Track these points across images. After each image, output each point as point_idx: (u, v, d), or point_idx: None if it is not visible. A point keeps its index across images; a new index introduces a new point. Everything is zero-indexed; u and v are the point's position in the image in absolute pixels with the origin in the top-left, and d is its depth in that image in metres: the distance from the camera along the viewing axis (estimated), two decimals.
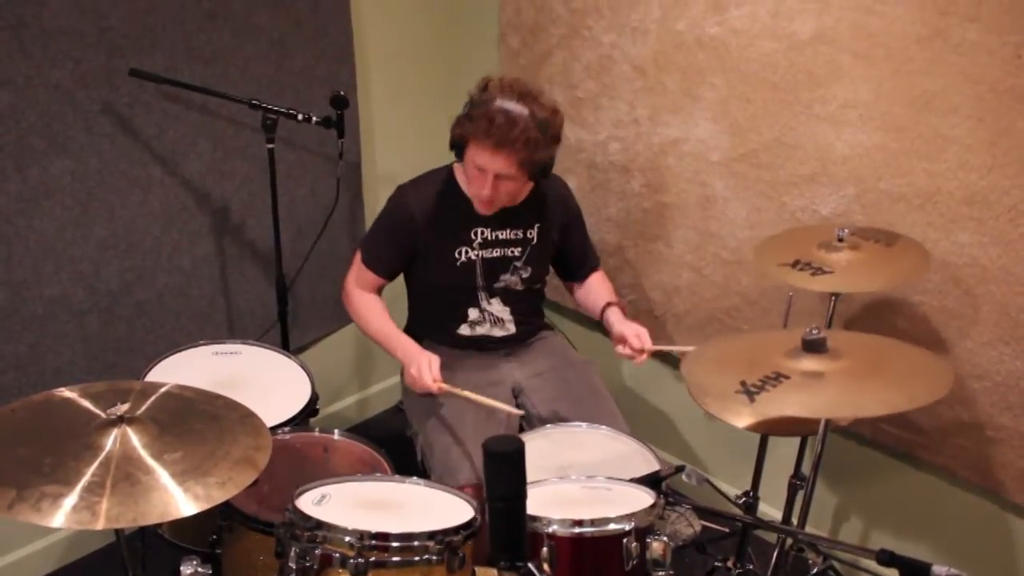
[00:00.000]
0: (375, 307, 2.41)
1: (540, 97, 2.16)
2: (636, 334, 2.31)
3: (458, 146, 2.23)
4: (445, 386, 2.18)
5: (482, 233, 2.36)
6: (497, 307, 2.44)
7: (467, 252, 2.36)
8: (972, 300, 2.18)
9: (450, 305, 2.42)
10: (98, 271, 2.44)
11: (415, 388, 2.23)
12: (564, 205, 2.49)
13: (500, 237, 2.38)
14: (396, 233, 2.36)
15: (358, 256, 2.43)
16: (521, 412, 2.28)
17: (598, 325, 3.06)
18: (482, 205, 2.28)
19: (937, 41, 2.06)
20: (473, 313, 2.43)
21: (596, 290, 2.57)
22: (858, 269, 2.05)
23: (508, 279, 2.42)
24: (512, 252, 2.41)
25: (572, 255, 2.56)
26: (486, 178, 2.18)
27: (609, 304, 2.46)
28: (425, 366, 2.19)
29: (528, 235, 2.41)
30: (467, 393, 2.17)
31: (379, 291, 2.45)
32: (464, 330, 2.43)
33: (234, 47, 2.54)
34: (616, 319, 2.41)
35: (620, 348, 2.34)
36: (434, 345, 2.46)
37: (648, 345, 2.30)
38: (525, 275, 2.43)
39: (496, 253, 2.39)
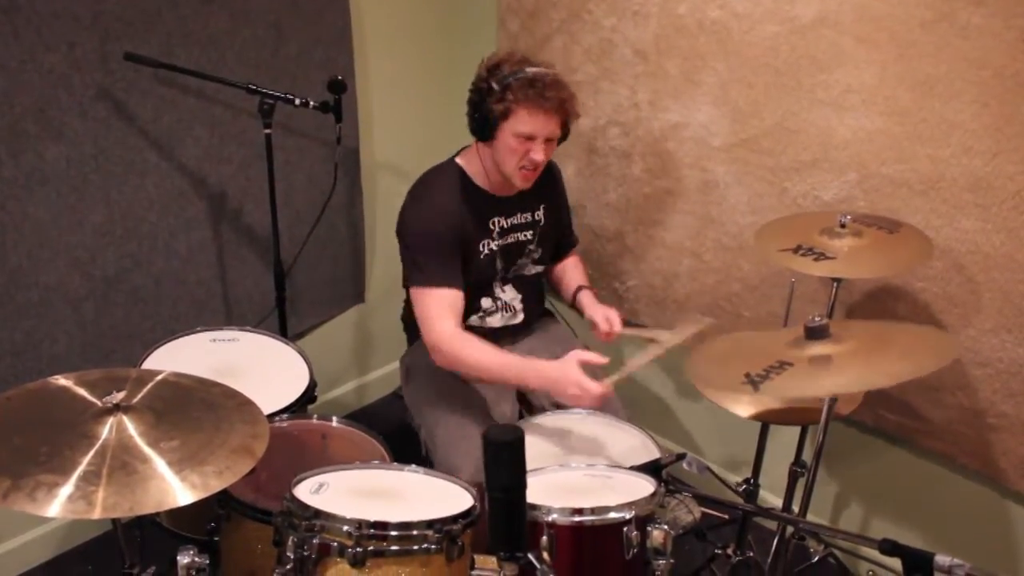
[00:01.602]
0: (479, 344, 2.17)
1: (545, 63, 2.23)
2: (606, 317, 2.35)
3: (490, 124, 2.17)
4: (613, 380, 2.04)
5: (499, 223, 2.35)
6: (510, 294, 2.44)
7: (489, 244, 2.34)
8: (975, 287, 2.16)
9: (467, 297, 2.34)
10: (94, 258, 2.42)
11: (584, 405, 2.09)
12: (559, 185, 2.54)
13: (514, 223, 2.38)
14: (444, 244, 2.23)
15: (424, 294, 2.20)
16: (712, 320, 2.28)
17: None
18: (526, 177, 2.24)
19: (942, 25, 2.04)
20: (486, 303, 2.41)
21: (570, 273, 2.60)
22: (860, 255, 2.03)
23: (522, 263, 2.43)
24: (525, 236, 2.41)
25: (559, 234, 2.58)
26: (536, 144, 2.17)
27: (581, 287, 2.51)
28: (576, 384, 2.01)
29: (536, 217, 2.42)
30: (640, 361, 2.09)
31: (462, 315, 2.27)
32: (474, 320, 2.41)
33: (230, 31, 2.51)
34: (588, 302, 2.45)
35: (593, 332, 2.39)
36: None
37: (617, 328, 2.34)
38: (537, 256, 2.45)
39: (512, 239, 2.38)
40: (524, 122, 2.14)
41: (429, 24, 3.08)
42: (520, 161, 2.20)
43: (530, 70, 2.13)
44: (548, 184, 2.44)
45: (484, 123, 2.18)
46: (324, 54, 2.75)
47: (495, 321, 2.43)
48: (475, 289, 2.37)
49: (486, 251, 2.34)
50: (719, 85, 2.48)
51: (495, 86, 2.13)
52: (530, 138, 2.16)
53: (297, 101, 2.41)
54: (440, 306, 2.19)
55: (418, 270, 2.23)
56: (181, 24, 2.40)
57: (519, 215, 2.38)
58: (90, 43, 2.25)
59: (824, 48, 2.24)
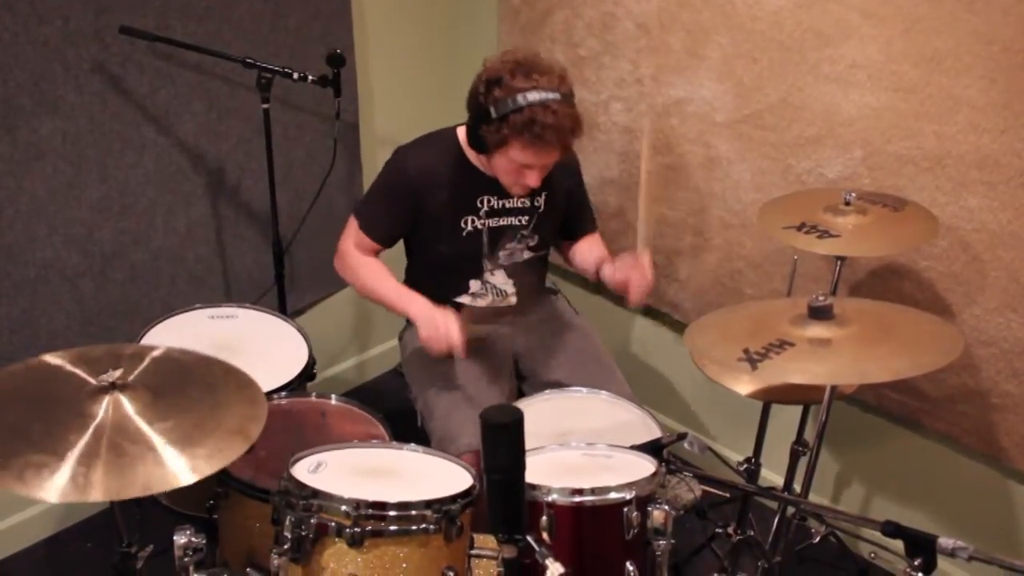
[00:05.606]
0: (375, 266, 2.30)
1: (549, 67, 2.06)
2: (628, 280, 2.19)
3: (487, 145, 2.10)
4: (465, 336, 2.10)
5: (488, 202, 2.27)
6: (500, 279, 2.36)
7: (473, 221, 2.27)
8: (980, 266, 2.14)
9: (453, 275, 2.34)
10: (91, 234, 2.40)
11: (432, 349, 2.12)
12: (571, 171, 2.39)
13: (507, 206, 2.29)
14: (394, 198, 2.27)
15: (353, 221, 2.30)
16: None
17: (599, 288, 3.04)
18: (523, 191, 2.21)
19: None
20: (475, 285, 2.36)
21: (589, 249, 2.46)
22: (865, 233, 2.01)
23: (513, 247, 2.34)
24: (519, 220, 2.32)
25: (572, 218, 2.47)
26: (533, 172, 2.11)
27: (603, 260, 2.35)
28: (443, 325, 2.09)
29: (535, 203, 2.32)
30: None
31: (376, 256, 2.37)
32: (464, 300, 2.38)
33: (228, 3, 2.48)
34: (609, 274, 2.28)
35: (633, 292, 2.20)
36: None
37: (646, 278, 2.17)
38: (532, 243, 2.35)
39: (503, 222, 2.30)
40: (520, 155, 2.07)
41: None
42: (516, 181, 2.16)
43: (533, 96, 1.98)
44: (557, 174, 2.31)
45: (480, 142, 2.11)
46: (323, 27, 2.72)
47: (484, 304, 2.38)
48: (463, 268, 2.33)
49: (470, 228, 2.27)
50: (723, 60, 2.44)
51: (492, 113, 2.02)
52: (528, 167, 2.10)
53: (295, 75, 2.38)
54: (356, 239, 2.32)
55: (363, 202, 2.40)
56: None
57: (515, 199, 2.29)
58: (85, 16, 2.22)
59: (830, 22, 2.20)
